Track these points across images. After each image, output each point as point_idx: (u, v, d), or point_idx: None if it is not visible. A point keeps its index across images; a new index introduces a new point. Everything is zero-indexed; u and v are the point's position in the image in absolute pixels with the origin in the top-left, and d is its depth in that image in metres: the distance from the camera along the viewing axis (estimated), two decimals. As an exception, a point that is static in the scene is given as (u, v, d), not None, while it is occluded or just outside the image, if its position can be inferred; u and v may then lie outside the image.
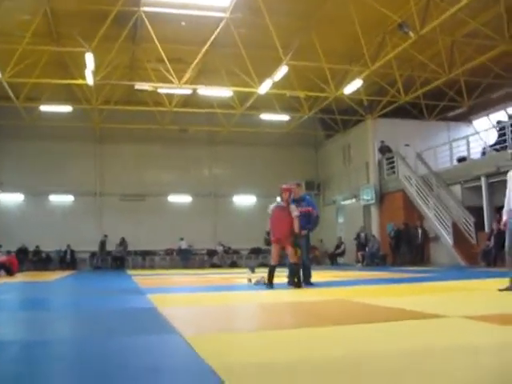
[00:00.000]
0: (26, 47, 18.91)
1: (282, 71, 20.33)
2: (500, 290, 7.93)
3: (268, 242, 10.94)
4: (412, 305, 6.68)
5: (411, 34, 17.51)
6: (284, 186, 10.50)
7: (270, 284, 10.20)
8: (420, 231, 23.04)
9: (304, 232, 11.02)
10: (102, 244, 29.38)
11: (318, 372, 3.24)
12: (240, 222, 30.65)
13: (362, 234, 26.58)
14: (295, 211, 10.26)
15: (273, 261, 10.35)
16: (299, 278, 10.34)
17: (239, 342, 4.46)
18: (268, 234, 10.78)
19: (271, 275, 10.22)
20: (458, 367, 3.28)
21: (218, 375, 3.06)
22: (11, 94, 22.73)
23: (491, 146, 22.29)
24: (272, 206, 10.49)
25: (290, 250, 10.22)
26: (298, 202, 11.12)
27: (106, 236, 29.22)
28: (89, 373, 3.34)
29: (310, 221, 11.22)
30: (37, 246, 28.04)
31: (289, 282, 10.47)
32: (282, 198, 10.45)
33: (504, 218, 8.29)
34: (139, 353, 4.00)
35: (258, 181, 31.14)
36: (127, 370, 3.38)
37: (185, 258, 29.66)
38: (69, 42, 20.05)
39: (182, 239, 29.62)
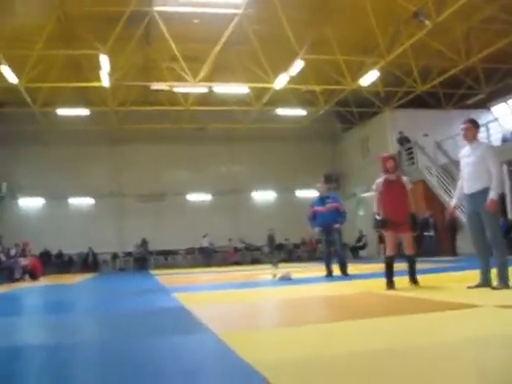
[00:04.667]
0: (41, 52, 18.97)
1: (298, 66, 20.17)
2: (469, 288, 6.86)
3: (381, 225, 8.02)
4: (441, 295, 6.60)
5: (427, 22, 17.28)
6: (385, 155, 8.30)
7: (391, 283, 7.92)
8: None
9: (337, 226, 11.56)
10: (271, 238, 28.66)
11: (365, 365, 3.18)
12: (260, 217, 30.52)
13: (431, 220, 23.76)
14: (409, 184, 8.17)
15: (392, 251, 8.02)
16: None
17: (274, 338, 4.40)
18: (377, 215, 8.01)
19: (391, 270, 7.95)
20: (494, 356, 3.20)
21: (261, 374, 2.98)
22: (28, 99, 22.86)
23: (512, 132, 21.95)
24: (379, 181, 8.06)
25: (408, 238, 8.07)
26: (323, 199, 11.70)
27: (272, 229, 28.25)
28: (126, 375, 3.29)
29: (339, 216, 11.87)
30: (59, 250, 28.22)
31: (413, 279, 8.12)
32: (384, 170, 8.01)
33: (453, 202, 7.46)
34: (177, 353, 3.96)
35: (276, 176, 31.22)
36: (167, 372, 3.32)
37: (206, 257, 29.58)
38: (83, 44, 19.94)
39: (204, 236, 29.29)
